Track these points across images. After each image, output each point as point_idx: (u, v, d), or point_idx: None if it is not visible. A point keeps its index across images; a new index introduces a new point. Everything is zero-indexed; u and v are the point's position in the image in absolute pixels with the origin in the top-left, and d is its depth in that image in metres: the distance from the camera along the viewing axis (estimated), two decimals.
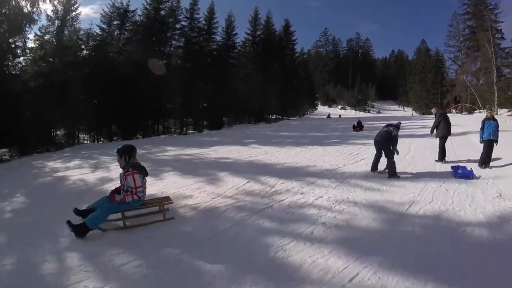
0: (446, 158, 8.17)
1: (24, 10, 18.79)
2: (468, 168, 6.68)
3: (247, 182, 6.44)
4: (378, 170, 7.02)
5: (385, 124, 7.57)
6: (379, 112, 76.67)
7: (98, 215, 4.11)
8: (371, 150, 10.07)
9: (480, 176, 6.47)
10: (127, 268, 3.27)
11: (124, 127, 28.68)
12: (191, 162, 9.80)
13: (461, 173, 6.49)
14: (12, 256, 3.64)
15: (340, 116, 51.51)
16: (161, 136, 27.49)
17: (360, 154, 10.00)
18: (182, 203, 5.27)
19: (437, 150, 8.34)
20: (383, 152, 6.89)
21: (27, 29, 19.77)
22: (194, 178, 7.11)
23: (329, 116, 48.25)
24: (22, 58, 21.59)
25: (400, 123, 7.87)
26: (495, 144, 7.35)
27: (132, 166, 4.48)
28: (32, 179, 9.01)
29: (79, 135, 29.12)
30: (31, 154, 20.68)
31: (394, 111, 76.31)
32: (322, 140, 14.77)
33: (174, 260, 3.40)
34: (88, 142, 28.47)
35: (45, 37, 23.46)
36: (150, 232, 4.22)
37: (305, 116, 47.45)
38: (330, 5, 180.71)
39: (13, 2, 18.23)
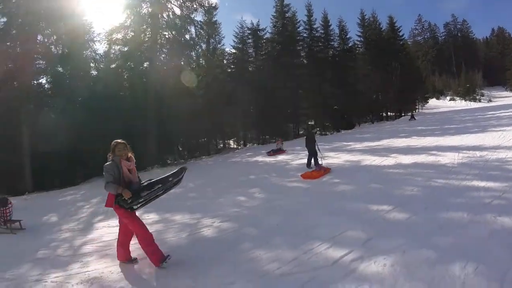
0: None
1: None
2: None
3: (458, 154, 11.78)
4: None
5: None
6: (490, 101, 71.95)
7: None
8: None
9: None
10: None
11: (268, 132, 35.72)
12: (390, 149, 15.70)
13: None
14: None
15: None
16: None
17: (506, 137, 13.98)
18: (440, 163, 11.05)
19: None
20: None
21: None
22: (418, 155, 12.57)
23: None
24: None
25: None
26: None
27: None
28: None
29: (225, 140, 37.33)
30: (197, 157, 27.99)
31: (505, 98, 71.16)
32: (465, 130, 19.42)
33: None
34: (234, 146, 36.18)
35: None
36: None
37: (417, 111, 49.03)
38: None
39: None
